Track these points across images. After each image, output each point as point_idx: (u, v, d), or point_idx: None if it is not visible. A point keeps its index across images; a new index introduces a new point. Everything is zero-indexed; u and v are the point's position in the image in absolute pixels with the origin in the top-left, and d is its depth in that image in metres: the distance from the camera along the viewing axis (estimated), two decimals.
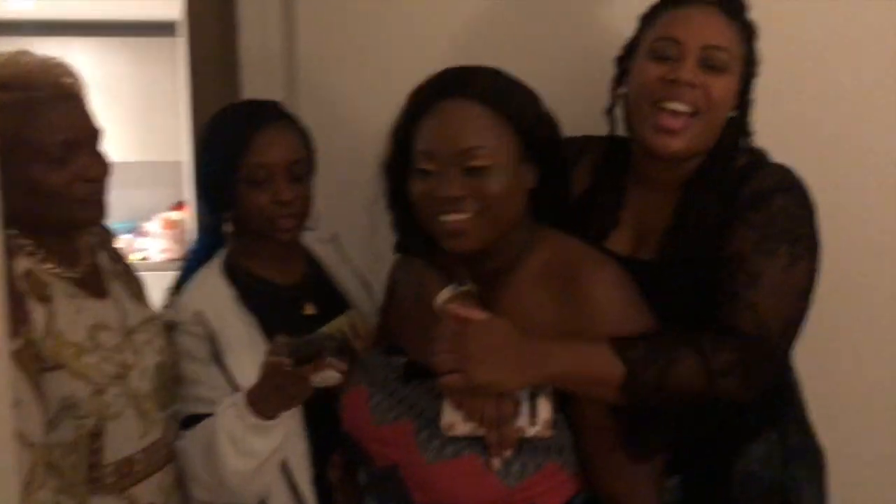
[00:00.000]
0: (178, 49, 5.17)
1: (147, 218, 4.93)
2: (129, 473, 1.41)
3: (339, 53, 1.95)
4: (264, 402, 1.40)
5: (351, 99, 1.94)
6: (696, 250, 1.43)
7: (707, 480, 1.47)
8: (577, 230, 1.41)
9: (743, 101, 1.48)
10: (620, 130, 1.56)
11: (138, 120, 4.91)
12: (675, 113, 1.42)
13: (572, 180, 1.47)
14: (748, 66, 1.48)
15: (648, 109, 1.44)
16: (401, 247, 1.46)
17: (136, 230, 4.91)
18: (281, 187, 1.53)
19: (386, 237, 1.48)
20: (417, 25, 1.94)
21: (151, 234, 4.89)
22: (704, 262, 1.41)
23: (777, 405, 1.51)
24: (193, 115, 2.08)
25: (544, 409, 1.28)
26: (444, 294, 1.33)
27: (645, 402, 1.27)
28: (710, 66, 1.42)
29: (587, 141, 1.61)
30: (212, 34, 2.13)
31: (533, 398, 1.28)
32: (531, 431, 1.27)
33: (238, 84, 1.95)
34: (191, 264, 1.64)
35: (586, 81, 1.71)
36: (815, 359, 1.57)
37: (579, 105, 1.55)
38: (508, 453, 1.26)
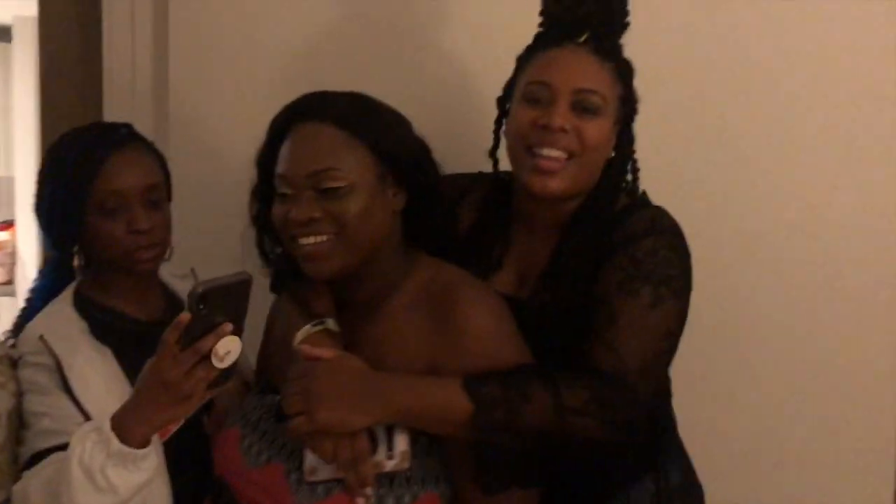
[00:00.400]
0: (12, 56, 4.85)
1: None
2: None
3: (209, 78, 1.89)
4: (141, 414, 1.21)
5: (222, 126, 1.87)
6: (569, 292, 1.42)
7: None
8: (462, 267, 1.39)
9: (622, 141, 1.48)
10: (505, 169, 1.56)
11: None
12: (549, 157, 1.41)
13: (458, 216, 1.51)
14: (626, 107, 1.47)
15: (524, 154, 1.44)
16: (274, 286, 1.45)
17: None
18: (137, 215, 1.43)
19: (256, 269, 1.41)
20: (289, 50, 1.89)
21: None
22: (576, 305, 1.40)
23: (655, 449, 1.50)
24: (43, 131, 1.95)
25: (401, 441, 1.26)
26: (302, 332, 1.32)
27: (495, 439, 1.25)
28: (583, 108, 1.41)
29: (476, 177, 1.60)
30: (69, 42, 2.01)
31: (389, 431, 1.26)
32: (389, 465, 1.26)
33: (100, 99, 1.86)
34: (35, 303, 1.50)
35: (475, 120, 1.69)
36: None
37: (469, 143, 1.58)
38: (369, 492, 1.24)
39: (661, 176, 1.54)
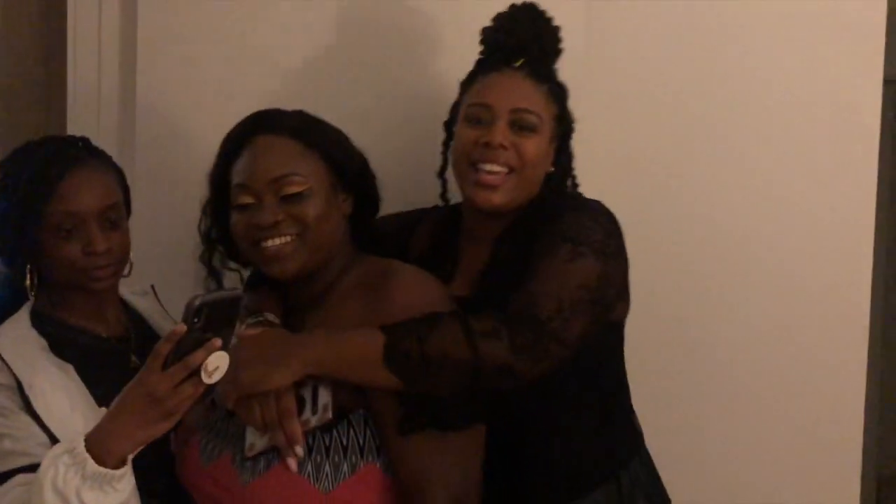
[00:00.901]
0: None
1: None
2: None
3: (177, 88, 1.87)
4: (122, 431, 1.19)
5: (190, 132, 1.85)
6: (506, 283, 1.46)
7: None
8: None
9: (560, 157, 1.60)
10: (452, 190, 1.68)
11: None
12: (491, 172, 1.52)
13: (410, 246, 1.64)
14: (561, 125, 1.59)
15: (467, 169, 1.54)
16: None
17: None
18: (94, 237, 1.39)
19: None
20: (256, 65, 1.89)
21: None
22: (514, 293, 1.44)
23: (616, 447, 1.56)
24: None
25: (323, 394, 1.31)
26: (243, 325, 1.37)
27: (413, 375, 1.29)
28: (520, 126, 1.53)
29: (423, 212, 1.73)
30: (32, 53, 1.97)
31: (314, 391, 1.32)
32: (314, 421, 1.30)
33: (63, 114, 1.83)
34: None
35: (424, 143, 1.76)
36: None
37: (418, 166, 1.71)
38: (299, 450, 1.29)
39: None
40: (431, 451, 1.30)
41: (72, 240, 1.39)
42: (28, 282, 1.44)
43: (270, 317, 1.40)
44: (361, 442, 1.32)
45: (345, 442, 1.31)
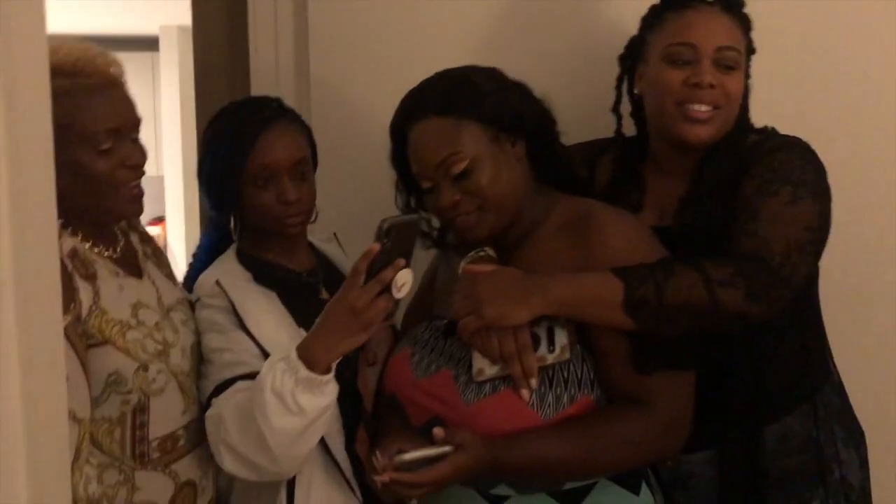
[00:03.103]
0: (158, 64, 5.22)
1: None
2: (172, 449, 1.44)
3: (349, 61, 2.00)
4: (326, 343, 1.34)
5: (361, 106, 1.98)
6: (709, 212, 1.52)
7: (742, 448, 1.55)
8: None
9: (746, 89, 1.60)
10: (625, 124, 1.68)
11: None
12: (699, 110, 1.53)
13: (595, 176, 1.65)
14: (749, 57, 1.59)
15: (674, 108, 1.54)
16: (439, 243, 1.61)
17: None
18: (286, 187, 1.53)
19: None
20: (426, 28, 1.99)
21: None
22: (718, 222, 1.50)
23: (812, 373, 1.60)
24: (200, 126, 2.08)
25: (560, 335, 1.38)
26: (466, 258, 1.46)
27: (650, 319, 1.34)
28: (724, 65, 1.53)
29: (606, 141, 1.72)
30: (219, 44, 2.16)
31: (550, 331, 1.38)
32: (550, 358, 1.37)
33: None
34: (199, 261, 1.66)
35: (586, 78, 1.82)
36: None
37: (579, 99, 1.68)
38: (534, 382, 1.35)
39: None
40: (660, 382, 1.38)
41: (268, 189, 1.52)
42: (232, 225, 1.62)
43: (490, 251, 1.47)
44: (580, 375, 1.38)
45: (565, 375, 1.38)
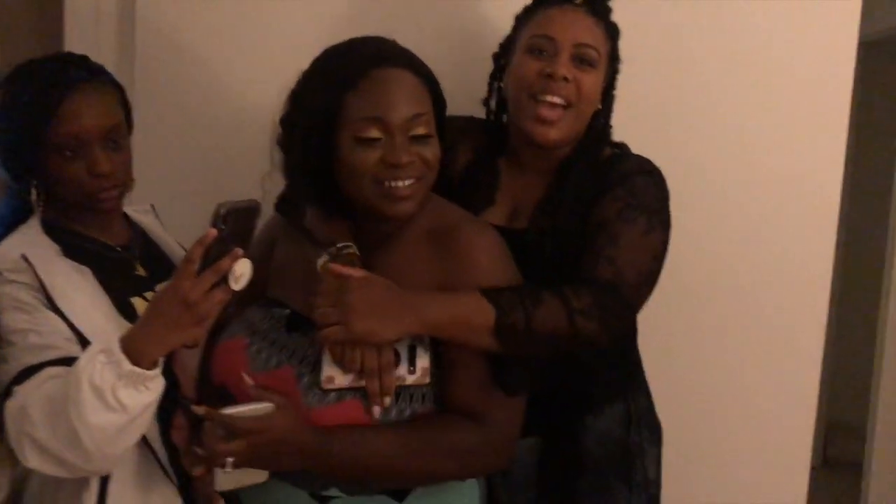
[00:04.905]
0: None
1: None
2: None
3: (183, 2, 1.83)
4: (156, 335, 1.24)
5: (196, 56, 1.81)
6: (564, 221, 1.59)
7: (563, 440, 1.66)
8: (456, 202, 1.53)
9: (606, 96, 1.66)
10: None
11: None
12: (551, 105, 1.58)
13: (454, 157, 1.65)
14: (612, 64, 1.66)
15: (527, 101, 1.60)
16: (282, 208, 1.50)
17: None
18: (97, 158, 1.40)
19: None
20: None
21: None
22: (572, 232, 1.57)
23: (627, 375, 1.73)
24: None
25: (423, 358, 1.37)
26: (329, 254, 1.40)
27: (516, 345, 1.38)
28: (581, 61, 1.59)
29: (469, 121, 1.75)
30: None
31: (412, 349, 1.37)
32: (410, 380, 1.36)
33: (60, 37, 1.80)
34: None
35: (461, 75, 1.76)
36: None
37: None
38: (388, 401, 1.34)
39: None
40: (502, 402, 1.40)
41: (76, 160, 1.40)
42: (34, 197, 1.46)
43: (354, 249, 1.41)
44: (425, 390, 1.38)
45: (411, 392, 1.37)
